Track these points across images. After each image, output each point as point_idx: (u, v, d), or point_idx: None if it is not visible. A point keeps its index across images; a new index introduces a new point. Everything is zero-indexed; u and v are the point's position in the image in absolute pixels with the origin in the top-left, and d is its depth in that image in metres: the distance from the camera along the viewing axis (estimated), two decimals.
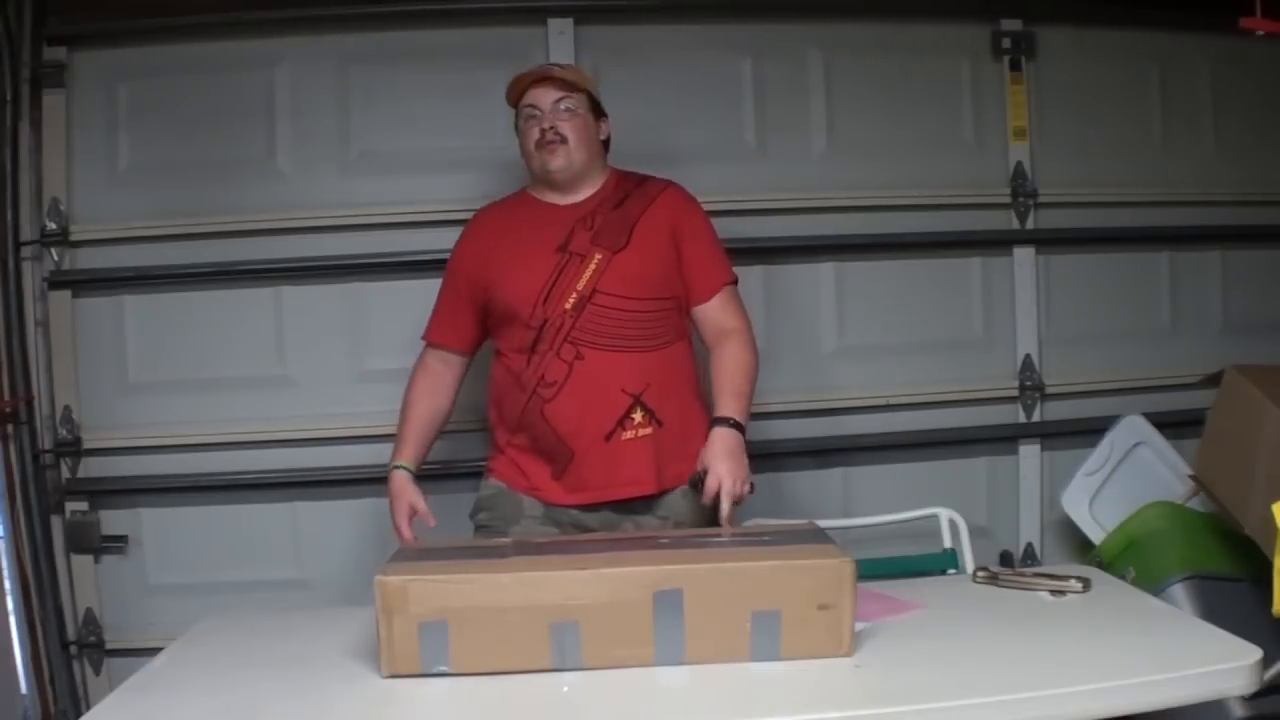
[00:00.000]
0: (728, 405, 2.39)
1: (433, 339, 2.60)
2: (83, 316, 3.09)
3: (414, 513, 2.45)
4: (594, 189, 2.53)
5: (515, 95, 2.54)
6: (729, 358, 2.47)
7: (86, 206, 3.08)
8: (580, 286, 2.41)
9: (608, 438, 2.40)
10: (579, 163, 2.49)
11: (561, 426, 2.40)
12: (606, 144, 2.59)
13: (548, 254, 2.44)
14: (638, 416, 2.41)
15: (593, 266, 2.42)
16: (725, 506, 2.28)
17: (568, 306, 2.40)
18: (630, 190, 2.54)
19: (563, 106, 2.48)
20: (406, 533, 2.44)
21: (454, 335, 2.58)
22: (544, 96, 2.49)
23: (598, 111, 2.57)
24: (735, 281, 2.57)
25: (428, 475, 3.11)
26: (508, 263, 2.47)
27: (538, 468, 2.46)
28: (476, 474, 2.65)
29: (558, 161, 2.46)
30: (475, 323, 2.56)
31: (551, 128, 2.46)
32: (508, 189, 2.73)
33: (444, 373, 2.59)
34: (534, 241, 2.47)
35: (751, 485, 2.36)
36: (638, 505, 2.45)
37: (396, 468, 2.50)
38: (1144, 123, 3.46)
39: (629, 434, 2.41)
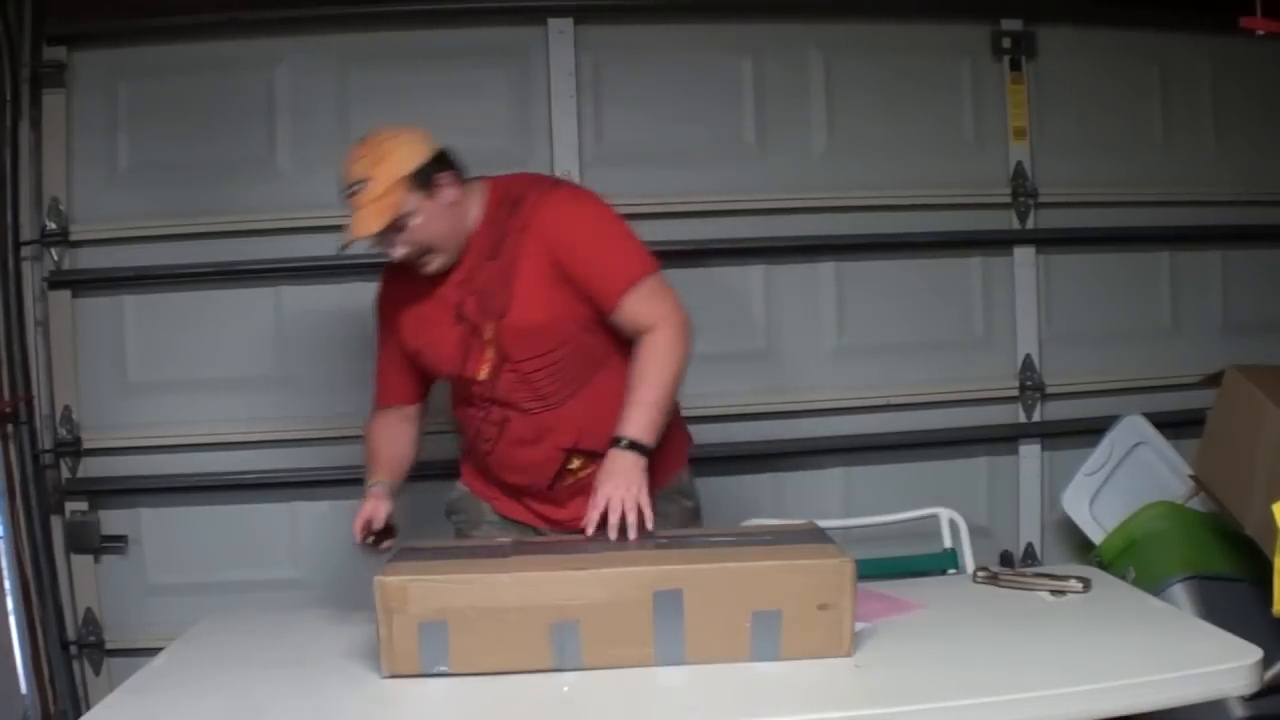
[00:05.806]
0: (627, 421, 2.15)
1: (384, 403, 2.44)
2: (82, 316, 3.09)
3: (371, 525, 2.23)
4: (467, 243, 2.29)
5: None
6: (639, 359, 2.21)
7: (86, 206, 3.08)
8: (489, 355, 2.27)
9: (550, 486, 2.34)
10: (450, 250, 2.23)
11: (505, 477, 2.37)
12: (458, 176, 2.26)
13: (449, 323, 2.28)
14: (575, 464, 2.31)
15: (488, 336, 2.25)
16: (613, 520, 2.05)
17: (483, 377, 2.28)
18: (503, 225, 2.25)
19: (388, 236, 2.18)
20: (356, 534, 2.24)
21: (403, 393, 2.42)
22: (363, 235, 2.16)
23: (427, 183, 2.17)
24: (648, 273, 2.24)
25: (416, 476, 3.13)
26: (419, 331, 2.33)
27: (491, 487, 2.44)
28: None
29: (431, 269, 2.24)
30: (419, 375, 2.41)
31: (401, 260, 2.22)
32: None
33: (402, 425, 2.42)
34: (433, 307, 2.30)
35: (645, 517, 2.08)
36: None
37: (374, 485, 2.29)
38: (1144, 123, 3.46)
39: (569, 480, 2.33)
